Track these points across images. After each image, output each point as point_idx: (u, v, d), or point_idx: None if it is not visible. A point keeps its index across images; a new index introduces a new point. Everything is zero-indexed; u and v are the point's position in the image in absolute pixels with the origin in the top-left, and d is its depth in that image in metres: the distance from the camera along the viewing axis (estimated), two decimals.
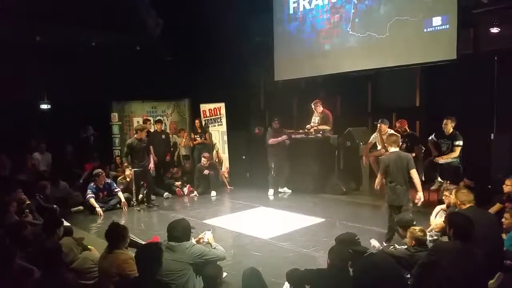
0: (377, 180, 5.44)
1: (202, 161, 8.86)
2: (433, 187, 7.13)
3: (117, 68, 9.83)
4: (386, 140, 5.27)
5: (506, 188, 5.21)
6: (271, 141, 8.46)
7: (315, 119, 8.58)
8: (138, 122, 10.25)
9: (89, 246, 4.49)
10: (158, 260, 3.12)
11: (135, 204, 7.74)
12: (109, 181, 7.96)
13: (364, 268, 3.23)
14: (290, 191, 8.56)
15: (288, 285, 3.65)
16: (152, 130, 9.53)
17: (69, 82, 9.55)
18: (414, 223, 4.29)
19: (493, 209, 5.06)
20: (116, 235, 3.60)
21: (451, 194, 4.77)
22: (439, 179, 6.93)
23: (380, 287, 3.13)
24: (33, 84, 9.66)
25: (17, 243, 3.97)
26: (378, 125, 7.54)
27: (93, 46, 9.89)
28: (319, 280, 3.14)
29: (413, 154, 7.27)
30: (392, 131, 7.63)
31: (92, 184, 7.63)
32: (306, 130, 8.63)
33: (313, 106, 8.60)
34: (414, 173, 5.02)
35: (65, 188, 7.84)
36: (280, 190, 8.65)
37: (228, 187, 9.41)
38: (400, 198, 5.06)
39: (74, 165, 9.88)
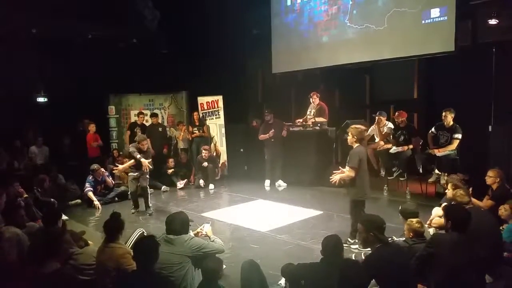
0: (348, 175, 4.90)
1: (202, 153, 8.87)
2: (430, 180, 7.14)
3: (114, 61, 9.77)
4: (357, 135, 4.95)
5: (488, 180, 5.20)
6: (260, 137, 8.55)
7: (311, 111, 8.57)
8: (135, 115, 10.21)
9: (89, 241, 4.50)
10: (155, 253, 3.12)
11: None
12: (107, 173, 7.97)
13: (379, 257, 3.21)
14: (286, 184, 8.54)
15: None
16: (141, 122, 9.58)
17: (65, 75, 9.49)
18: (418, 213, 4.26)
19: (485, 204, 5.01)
20: (115, 226, 3.60)
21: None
22: (437, 171, 6.94)
23: (389, 277, 3.12)
24: (30, 77, 9.60)
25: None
26: (377, 117, 7.53)
27: (90, 39, 9.82)
28: (312, 275, 3.12)
29: (411, 146, 7.30)
30: (390, 124, 7.65)
31: (90, 178, 7.63)
32: (298, 123, 8.63)
33: (310, 98, 8.59)
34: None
35: (62, 181, 7.83)
36: (268, 184, 8.62)
37: (217, 176, 9.36)
38: (368, 192, 5.02)
39: (71, 158, 9.85)
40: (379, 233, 3.28)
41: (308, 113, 8.63)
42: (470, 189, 4.72)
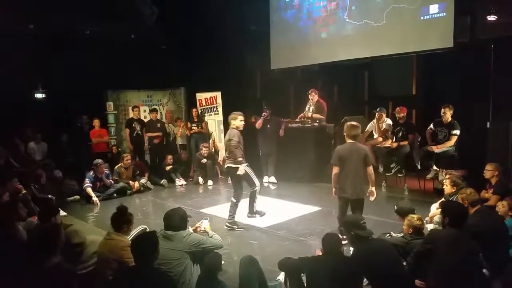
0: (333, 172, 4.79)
1: (202, 150, 8.87)
2: (428, 176, 7.15)
3: (112, 57, 9.74)
4: (346, 131, 4.84)
5: (487, 174, 5.21)
6: (257, 124, 8.56)
7: (310, 108, 8.56)
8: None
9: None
10: (154, 249, 3.11)
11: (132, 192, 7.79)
12: (107, 171, 7.94)
13: (364, 253, 3.24)
14: (276, 181, 8.53)
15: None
16: (137, 117, 9.65)
17: (63, 71, 9.46)
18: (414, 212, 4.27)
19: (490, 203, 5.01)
20: (121, 218, 3.66)
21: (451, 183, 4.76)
22: (435, 167, 6.95)
23: (378, 273, 3.14)
24: (28, 73, 9.56)
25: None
26: (377, 113, 7.52)
27: (88, 35, 9.78)
28: (314, 268, 3.14)
29: (405, 143, 7.30)
30: (389, 120, 7.65)
31: (90, 173, 7.61)
32: (298, 120, 8.63)
33: (309, 95, 8.58)
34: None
35: (59, 175, 7.81)
36: (266, 180, 8.60)
37: (220, 176, 9.40)
38: (348, 191, 4.76)
39: (69, 154, 9.84)
40: (359, 230, 3.37)
41: (306, 109, 8.63)
42: None
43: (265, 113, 8.53)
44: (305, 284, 3.24)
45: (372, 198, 4.83)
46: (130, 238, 4.04)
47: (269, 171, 8.63)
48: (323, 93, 8.95)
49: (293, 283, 3.30)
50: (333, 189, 4.86)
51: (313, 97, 8.48)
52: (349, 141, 4.80)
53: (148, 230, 4.38)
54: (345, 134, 4.86)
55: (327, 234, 3.28)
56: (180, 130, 9.87)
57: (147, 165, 9.19)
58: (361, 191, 4.75)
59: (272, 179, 8.58)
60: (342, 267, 3.06)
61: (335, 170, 4.74)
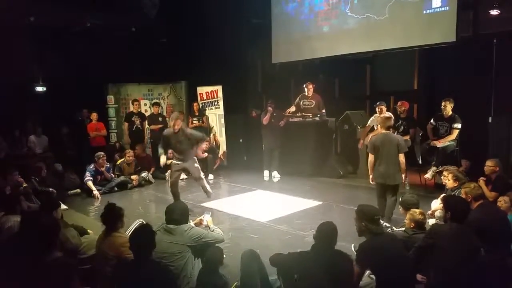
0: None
1: (203, 144, 8.83)
2: (427, 175, 7.08)
3: (113, 50, 9.70)
4: (381, 123, 5.28)
5: (487, 170, 5.21)
6: (264, 120, 8.42)
7: (309, 102, 8.51)
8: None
9: (88, 230, 4.51)
10: (150, 242, 3.09)
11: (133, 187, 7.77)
12: (108, 165, 7.93)
13: (372, 246, 3.22)
14: (279, 176, 8.52)
15: None
16: (137, 110, 9.60)
17: (64, 64, 9.43)
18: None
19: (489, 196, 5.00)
20: (112, 216, 3.59)
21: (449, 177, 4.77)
22: (434, 168, 6.81)
23: (384, 269, 3.13)
24: (28, 66, 9.53)
25: None
26: (377, 108, 7.49)
27: (89, 28, 9.74)
28: (303, 264, 3.08)
29: (407, 137, 7.27)
30: (390, 113, 7.61)
31: (91, 167, 7.60)
32: (289, 113, 8.58)
33: (305, 88, 8.55)
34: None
35: (59, 169, 7.80)
36: (267, 174, 8.58)
37: (215, 166, 9.27)
38: (380, 177, 5.21)
39: (70, 148, 9.83)
40: (371, 223, 3.28)
41: (301, 103, 8.59)
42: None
43: (270, 108, 8.46)
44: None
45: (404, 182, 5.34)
46: (128, 232, 4.04)
47: (273, 166, 8.60)
48: (325, 87, 8.91)
49: (284, 281, 3.22)
50: (370, 176, 5.34)
51: (310, 90, 8.46)
52: (383, 131, 5.22)
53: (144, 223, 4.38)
54: (379, 125, 5.32)
55: (324, 223, 3.26)
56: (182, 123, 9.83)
57: (153, 159, 9.14)
58: (394, 178, 5.12)
59: (275, 173, 8.57)
60: (333, 262, 3.02)
61: (370, 158, 5.27)
